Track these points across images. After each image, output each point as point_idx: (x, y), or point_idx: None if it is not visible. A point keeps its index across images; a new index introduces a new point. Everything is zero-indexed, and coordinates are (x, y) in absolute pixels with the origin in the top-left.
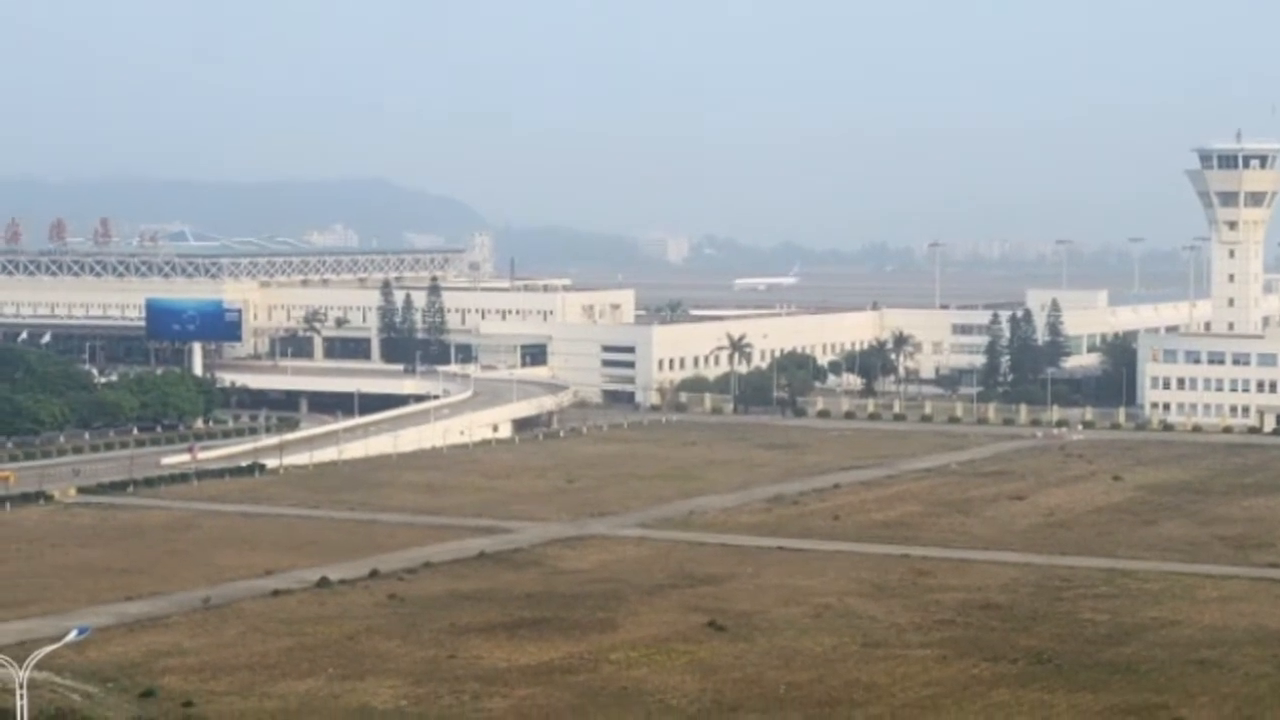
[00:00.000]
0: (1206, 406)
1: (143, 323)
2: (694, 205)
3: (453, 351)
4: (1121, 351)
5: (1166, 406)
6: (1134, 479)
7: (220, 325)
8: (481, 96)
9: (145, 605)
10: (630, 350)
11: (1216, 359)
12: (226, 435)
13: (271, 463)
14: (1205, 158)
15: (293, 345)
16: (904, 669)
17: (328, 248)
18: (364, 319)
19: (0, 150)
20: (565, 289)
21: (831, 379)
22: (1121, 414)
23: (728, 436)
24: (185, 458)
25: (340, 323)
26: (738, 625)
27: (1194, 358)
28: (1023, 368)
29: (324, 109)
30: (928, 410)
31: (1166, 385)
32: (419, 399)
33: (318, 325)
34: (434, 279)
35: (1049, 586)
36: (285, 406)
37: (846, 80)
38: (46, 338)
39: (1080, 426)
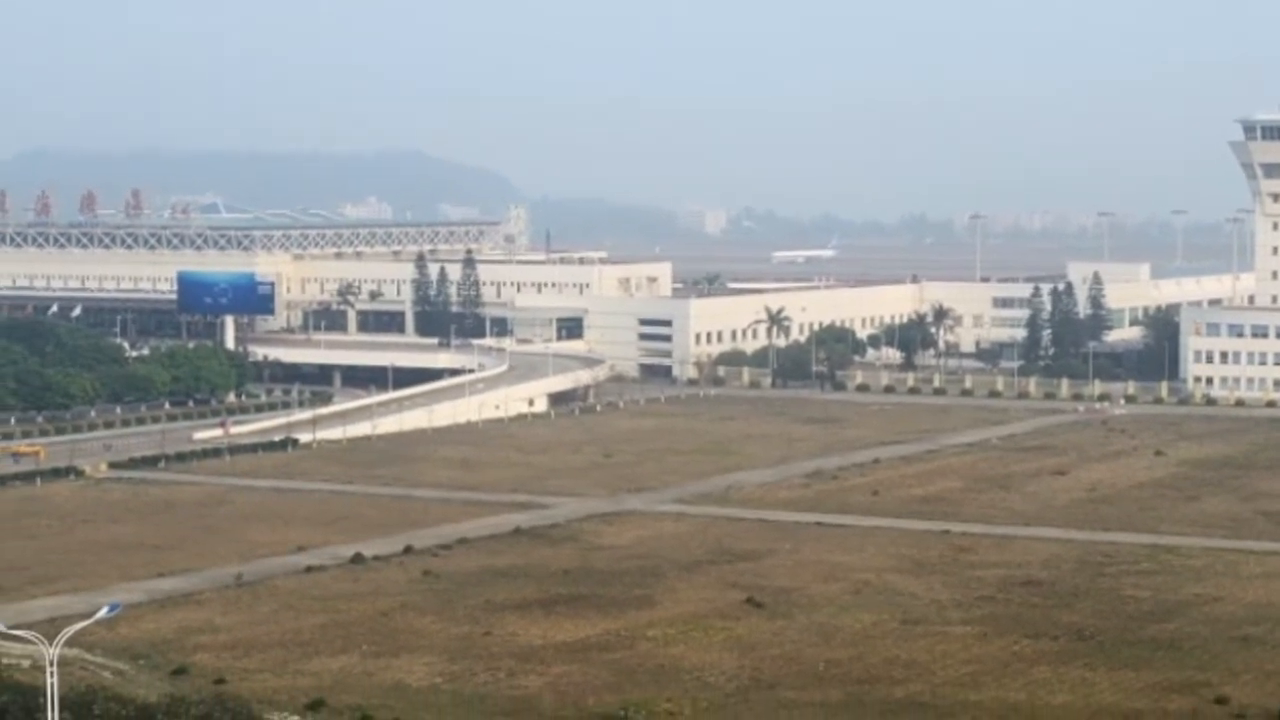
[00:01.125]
0: (1250, 380)
1: (174, 296)
2: (732, 177)
3: (488, 325)
4: (1164, 325)
5: (1209, 381)
6: (1177, 454)
7: (253, 298)
8: (518, 68)
9: (177, 581)
10: (667, 324)
11: (1260, 333)
12: (259, 410)
13: (304, 437)
14: (1249, 129)
15: (326, 318)
16: (944, 646)
17: (362, 220)
18: (398, 292)
19: (31, 122)
20: (601, 261)
21: (871, 353)
22: (1164, 388)
23: (766, 411)
24: (217, 432)
25: (374, 296)
26: (776, 602)
27: (1237, 331)
28: (1064, 341)
29: (359, 81)
30: (968, 384)
31: (1209, 359)
32: (454, 373)
33: (351, 298)
34: (469, 251)
35: (1091, 563)
36: (318, 380)
37: (888, 49)
38: (77, 311)
39: (1122, 401)
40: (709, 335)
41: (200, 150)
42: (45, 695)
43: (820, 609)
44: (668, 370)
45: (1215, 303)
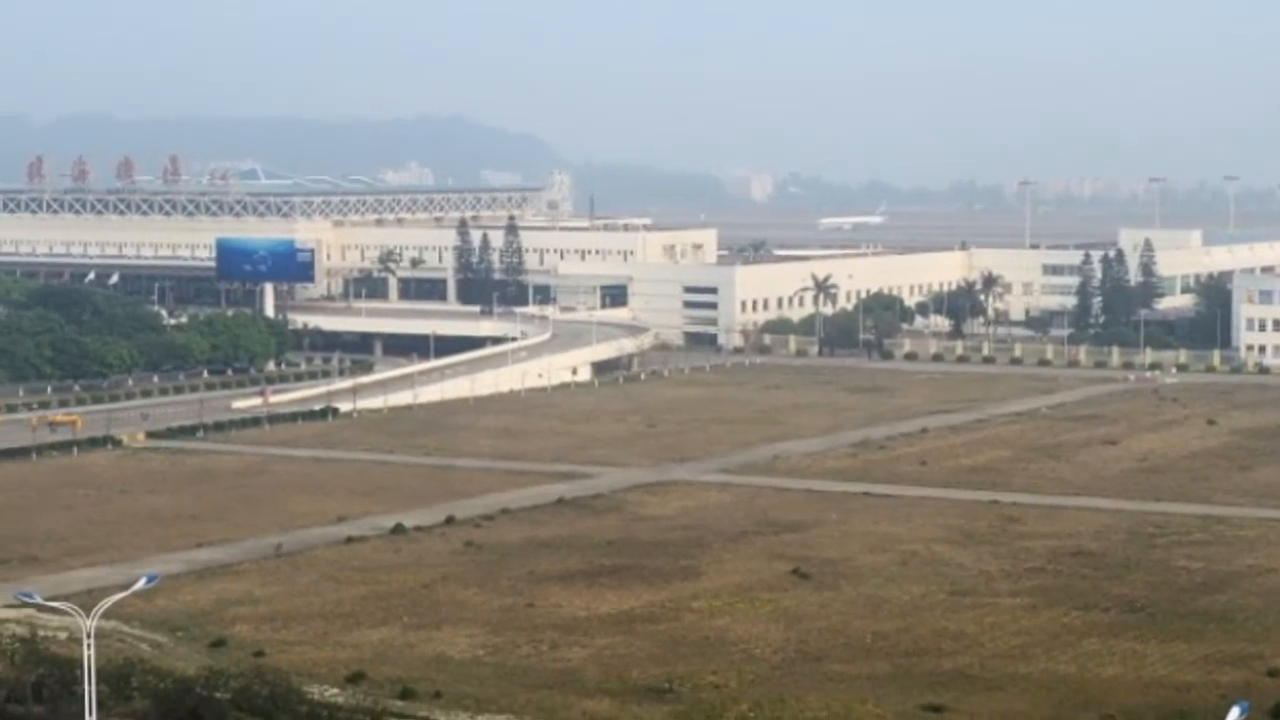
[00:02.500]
0: None
1: (213, 263)
2: (779, 142)
3: (531, 292)
4: (1216, 293)
5: (1262, 349)
6: (1229, 423)
7: (292, 265)
8: (561, 32)
9: (215, 552)
10: (713, 291)
11: None
12: (299, 378)
13: (345, 406)
14: None
15: (367, 286)
16: (993, 618)
17: (403, 186)
18: (440, 259)
19: (67, 87)
20: (646, 228)
21: (919, 321)
22: (1216, 357)
23: (812, 380)
24: (257, 401)
25: (415, 263)
26: (823, 573)
27: None
28: (1115, 309)
29: (401, 45)
30: (1017, 353)
31: (1262, 327)
32: (496, 341)
33: (392, 265)
34: (511, 218)
35: (1142, 533)
36: (359, 349)
37: (938, 12)
38: (114, 278)
39: (1174, 369)
40: (755, 303)
41: (239, 116)
42: (82, 668)
43: (867, 580)
44: (713, 338)
45: (1268, 270)
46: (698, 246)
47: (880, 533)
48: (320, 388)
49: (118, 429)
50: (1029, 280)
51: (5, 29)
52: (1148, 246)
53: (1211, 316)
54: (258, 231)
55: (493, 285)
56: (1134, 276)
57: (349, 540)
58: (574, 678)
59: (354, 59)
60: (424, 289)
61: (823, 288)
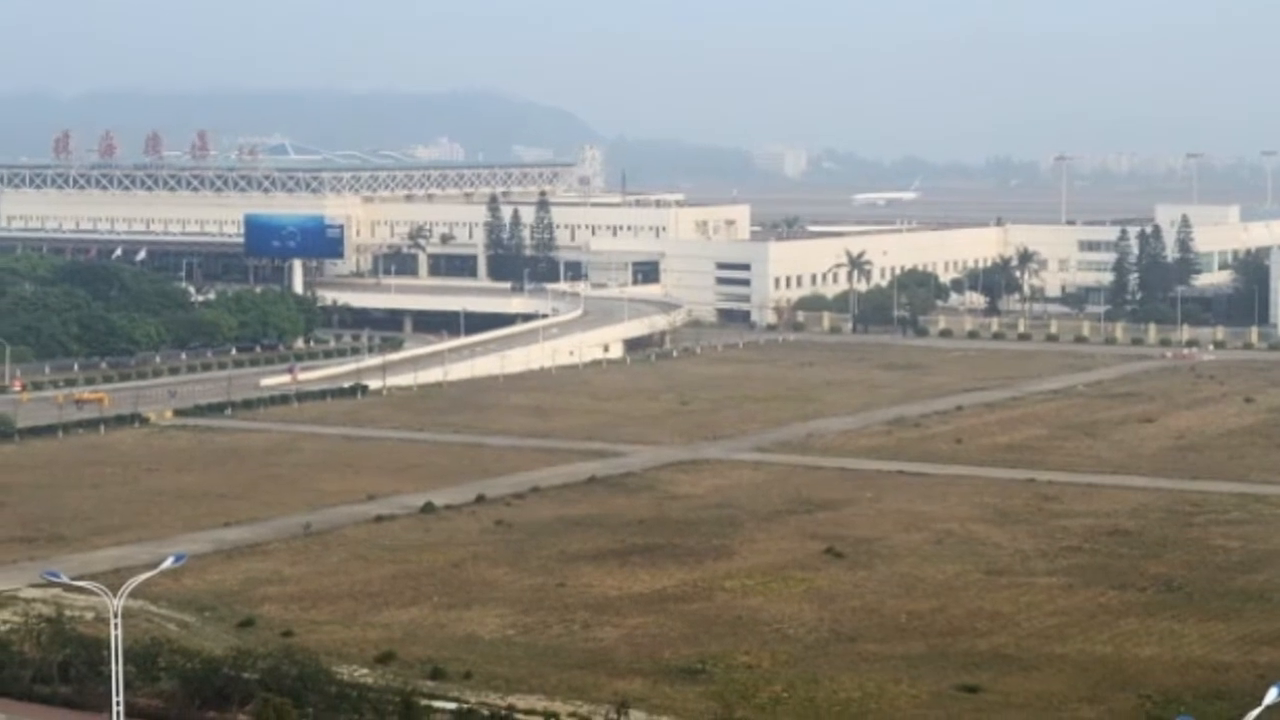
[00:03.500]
0: None
1: (241, 239)
2: (812, 117)
3: (562, 269)
4: (1254, 269)
5: None
6: (1267, 400)
7: (321, 241)
8: (593, 6)
9: (244, 531)
10: (746, 268)
11: None
12: (328, 355)
13: (374, 384)
14: None
15: (396, 262)
16: (1029, 597)
17: (433, 161)
18: (470, 235)
19: (94, 61)
20: (678, 204)
21: (954, 297)
22: (1254, 333)
23: (846, 357)
24: (285, 379)
25: (446, 239)
26: (857, 552)
27: None
28: (1152, 286)
29: (431, 19)
30: (1053, 330)
31: None
32: (527, 318)
33: (422, 242)
34: (543, 193)
35: (1179, 512)
36: (388, 326)
37: None
38: (142, 255)
39: (1211, 346)
40: (788, 279)
41: (267, 90)
42: (109, 648)
43: (902, 559)
44: (746, 315)
45: None
46: (730, 222)
47: (915, 511)
48: (349, 365)
49: (145, 407)
50: (1065, 256)
51: (32, 3)
52: (1185, 222)
53: (1249, 293)
54: (286, 207)
55: (523, 261)
56: (1171, 253)
57: (378, 519)
58: (606, 658)
59: (384, 33)
60: (454, 265)
61: (857, 264)
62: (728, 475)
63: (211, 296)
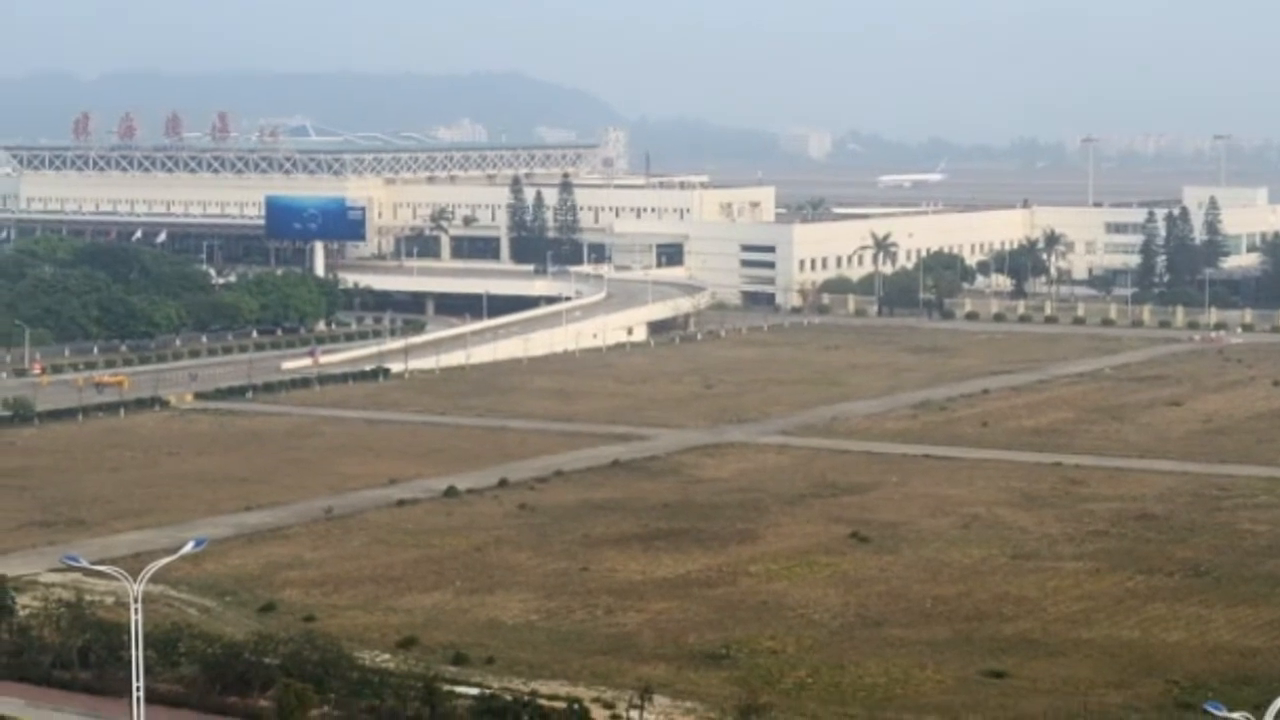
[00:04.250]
0: None
1: (262, 221)
2: (837, 99)
3: (585, 251)
4: None
5: None
6: None
7: (343, 224)
8: None
9: (265, 515)
10: (770, 250)
11: None
12: (349, 338)
13: (396, 367)
14: None
15: (418, 245)
16: (1055, 582)
17: (455, 143)
18: (493, 217)
19: (113, 42)
20: (702, 186)
21: (980, 280)
22: None
23: (872, 340)
24: (306, 362)
25: (468, 221)
26: (882, 536)
27: None
28: (1179, 268)
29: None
30: (1080, 312)
31: None
32: (550, 301)
33: (445, 224)
34: (566, 175)
35: (1206, 496)
36: (411, 308)
37: None
38: (162, 237)
39: (1239, 329)
40: (813, 262)
41: (289, 72)
42: (129, 633)
43: (928, 544)
44: (770, 298)
45: None
46: (755, 204)
47: (941, 495)
48: (371, 348)
49: (165, 390)
50: (1092, 239)
51: None
52: (1212, 204)
53: (1277, 275)
54: (308, 189)
55: (547, 244)
56: (1199, 235)
57: (400, 503)
58: (629, 643)
59: (407, 13)
60: (477, 247)
61: (882, 246)
62: (752, 459)
63: (232, 279)
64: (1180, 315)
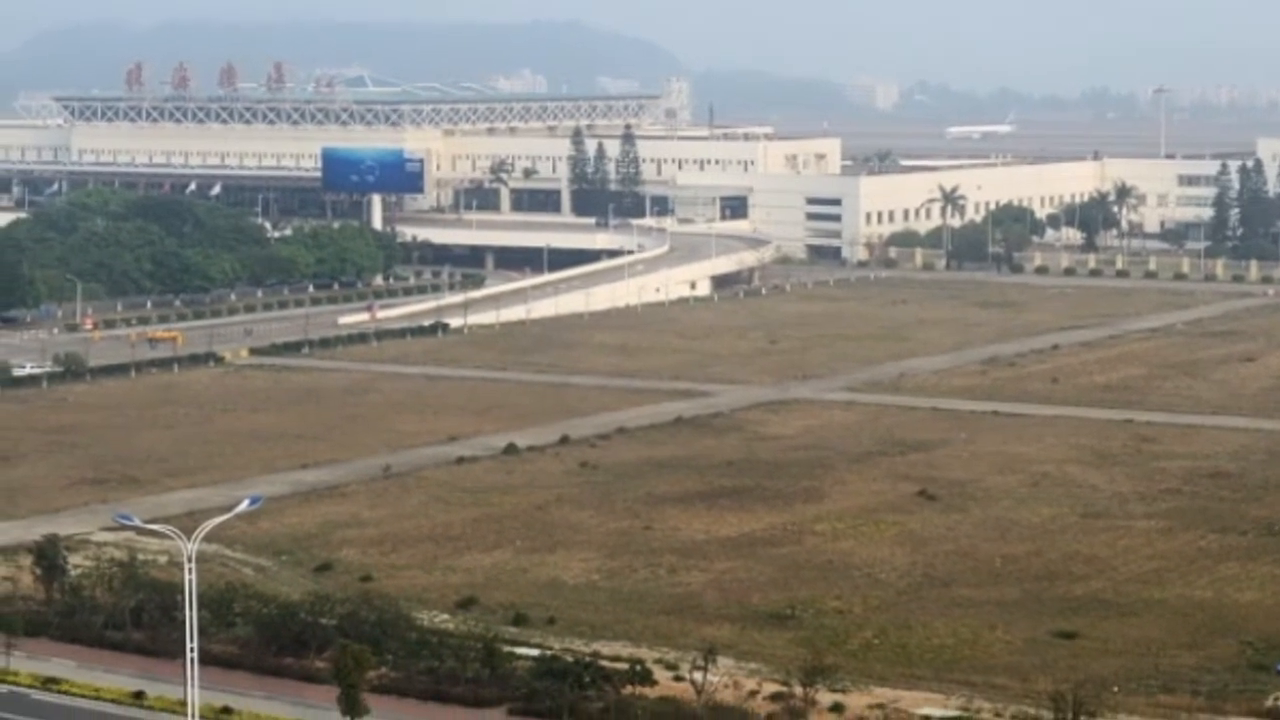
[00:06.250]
0: None
1: (319, 174)
2: (905, 48)
3: (648, 204)
4: None
5: None
6: None
7: (401, 176)
8: None
9: (321, 473)
10: (836, 203)
11: None
12: (408, 293)
13: (455, 322)
14: None
15: (478, 197)
16: (1126, 541)
17: (515, 94)
18: (554, 169)
19: None
20: (767, 137)
21: (1050, 233)
22: None
23: (940, 294)
24: (364, 317)
25: (528, 173)
26: (950, 495)
27: None
28: (1253, 221)
29: None
30: (1152, 266)
31: None
32: (612, 254)
33: (504, 176)
34: (628, 127)
35: None
36: (470, 262)
37: None
38: (216, 189)
39: None
40: (880, 215)
41: (346, 21)
42: (183, 593)
43: (997, 502)
44: (836, 251)
45: None
46: (821, 156)
47: (1010, 453)
48: (430, 303)
49: (220, 345)
50: (1164, 191)
51: None
52: None
53: None
54: (365, 141)
55: (608, 196)
56: (1273, 187)
57: (460, 461)
58: (693, 603)
59: None
60: (537, 200)
61: (950, 199)
62: (818, 416)
63: (288, 232)
64: (1254, 269)
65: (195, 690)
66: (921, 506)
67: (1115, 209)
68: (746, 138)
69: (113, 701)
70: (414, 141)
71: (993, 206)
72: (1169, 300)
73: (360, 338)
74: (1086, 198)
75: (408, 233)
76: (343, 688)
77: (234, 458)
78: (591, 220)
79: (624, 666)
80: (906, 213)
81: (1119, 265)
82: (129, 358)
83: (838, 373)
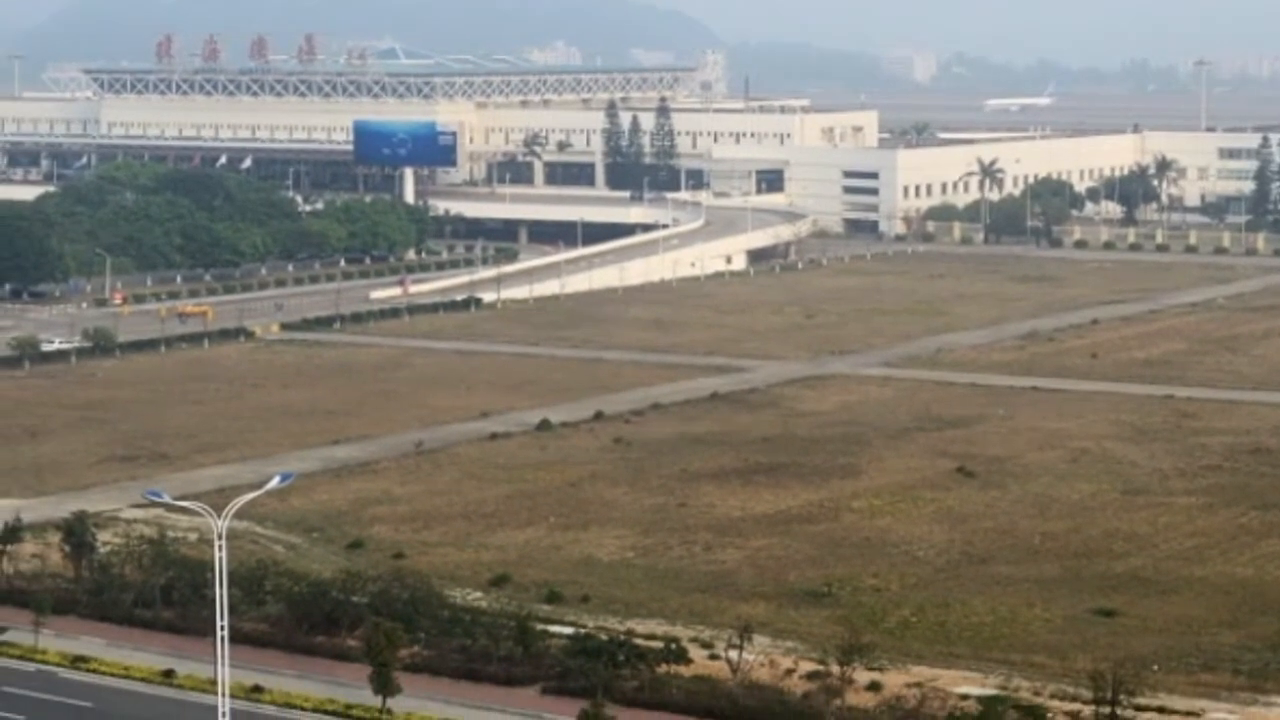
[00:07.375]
0: None
1: (350, 146)
2: (942, 20)
3: (683, 177)
4: None
5: None
6: None
7: (434, 149)
8: None
9: (353, 449)
10: (873, 176)
11: None
12: (440, 267)
13: (488, 296)
14: None
15: (511, 170)
16: (1167, 518)
17: (549, 66)
18: (588, 142)
19: None
20: (803, 110)
21: (1089, 207)
22: None
23: (978, 268)
24: (396, 291)
25: (562, 146)
26: (989, 471)
27: None
28: None
29: None
30: (1192, 240)
31: None
32: (646, 228)
33: (538, 149)
34: (663, 99)
35: None
36: (503, 236)
37: None
38: (247, 163)
39: None
40: (917, 188)
41: None
42: (213, 570)
43: (1036, 479)
44: (874, 225)
45: None
46: (858, 129)
47: (1049, 429)
48: (462, 277)
49: (250, 320)
50: (1204, 164)
51: None
52: None
53: None
54: (397, 113)
55: (643, 170)
56: None
57: (493, 437)
58: (728, 581)
59: None
60: (571, 174)
61: (989, 172)
62: (854, 391)
63: (319, 206)
64: None
65: (225, 669)
66: (960, 483)
67: (1155, 182)
68: (782, 110)
69: (142, 680)
70: (446, 114)
71: (1031, 180)
72: (1209, 274)
73: (392, 312)
74: (1126, 171)
75: (440, 206)
76: (374, 666)
77: (264, 434)
78: (626, 194)
79: (659, 645)
80: (944, 186)
81: (1159, 239)
82: (158, 333)
83: (874, 348)
